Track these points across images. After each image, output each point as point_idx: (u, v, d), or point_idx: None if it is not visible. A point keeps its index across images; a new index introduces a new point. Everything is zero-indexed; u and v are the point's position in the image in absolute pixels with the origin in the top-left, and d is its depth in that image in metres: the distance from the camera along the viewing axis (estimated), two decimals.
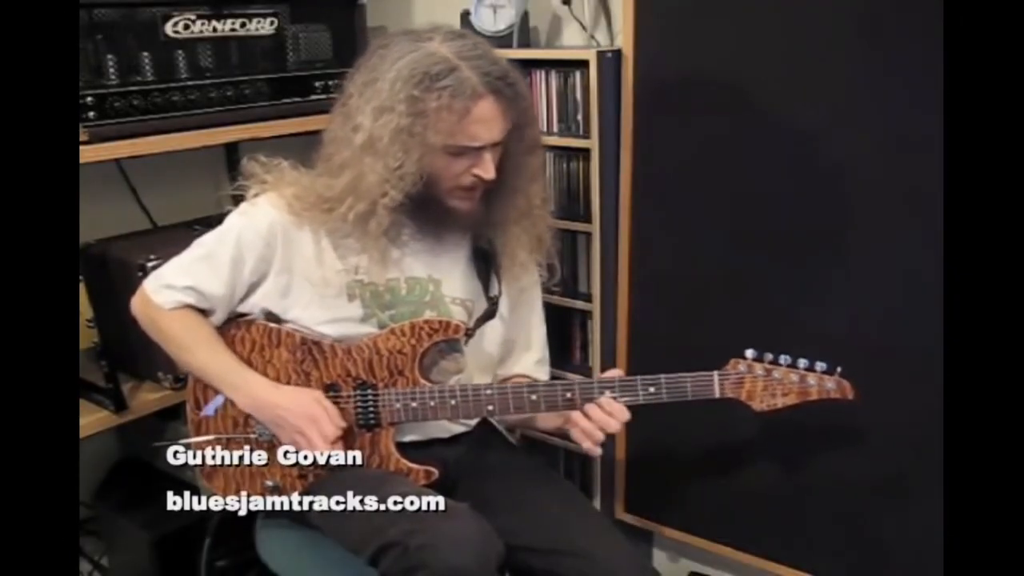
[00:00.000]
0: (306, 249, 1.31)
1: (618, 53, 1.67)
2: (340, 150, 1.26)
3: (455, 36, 1.25)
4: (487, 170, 1.25)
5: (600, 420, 1.28)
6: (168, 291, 1.33)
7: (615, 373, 1.32)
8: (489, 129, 1.22)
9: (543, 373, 1.52)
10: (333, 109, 1.31)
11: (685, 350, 1.67)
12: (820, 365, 1.27)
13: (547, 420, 1.40)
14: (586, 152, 1.72)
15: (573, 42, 1.88)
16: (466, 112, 1.20)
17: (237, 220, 1.32)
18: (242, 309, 1.35)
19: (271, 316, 1.35)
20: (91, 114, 1.47)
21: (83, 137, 1.46)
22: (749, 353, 1.28)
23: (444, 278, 1.37)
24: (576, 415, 1.29)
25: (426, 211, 1.29)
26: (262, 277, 1.32)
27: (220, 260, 1.31)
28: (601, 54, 1.65)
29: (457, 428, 1.42)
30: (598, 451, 1.31)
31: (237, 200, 1.36)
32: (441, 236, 1.35)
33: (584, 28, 1.81)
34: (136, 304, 1.37)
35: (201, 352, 1.33)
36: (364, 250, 1.29)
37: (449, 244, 1.37)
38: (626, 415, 1.28)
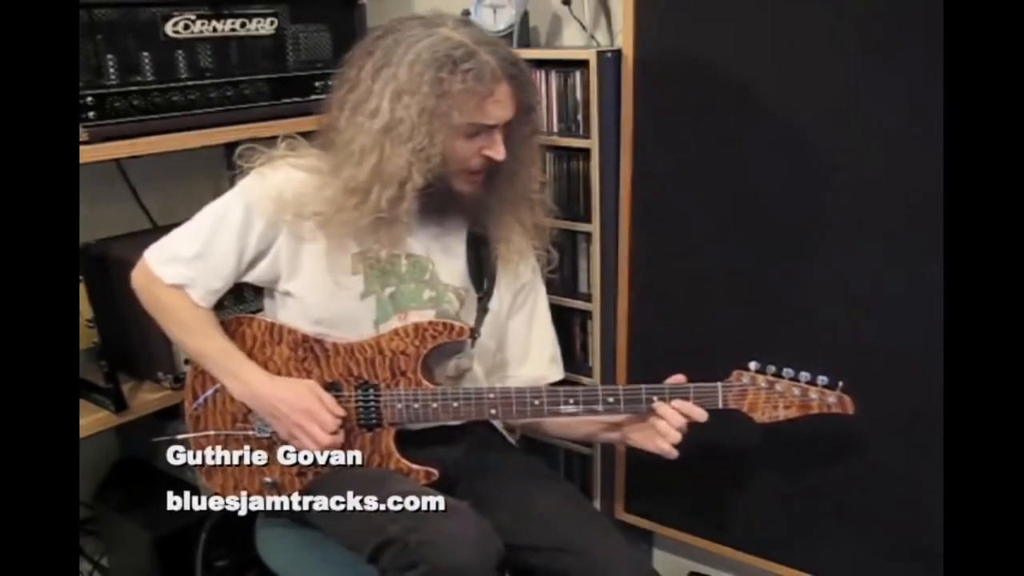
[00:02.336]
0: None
1: (618, 53, 1.67)
2: (357, 137, 1.25)
3: (464, 23, 1.29)
4: (498, 150, 1.27)
5: (674, 420, 1.27)
6: (173, 264, 1.31)
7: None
8: (504, 109, 1.26)
9: (556, 372, 1.51)
10: (335, 98, 1.29)
11: (685, 349, 1.68)
12: (822, 379, 1.27)
13: (584, 428, 1.41)
14: (586, 152, 1.72)
15: (573, 42, 1.88)
16: (489, 94, 1.23)
17: (248, 183, 1.31)
18: (247, 280, 1.34)
19: (270, 292, 1.33)
20: (91, 114, 1.47)
21: (83, 137, 1.46)
22: (752, 365, 1.28)
23: (440, 263, 1.37)
24: (660, 410, 1.28)
25: (433, 194, 1.29)
26: (270, 243, 1.30)
27: (230, 222, 1.29)
28: (601, 54, 1.65)
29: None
30: (674, 453, 1.29)
31: None
32: (443, 221, 1.36)
33: (584, 28, 1.81)
34: (138, 278, 1.35)
35: (201, 335, 1.32)
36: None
37: (449, 228, 1.38)
38: (703, 415, 1.27)
